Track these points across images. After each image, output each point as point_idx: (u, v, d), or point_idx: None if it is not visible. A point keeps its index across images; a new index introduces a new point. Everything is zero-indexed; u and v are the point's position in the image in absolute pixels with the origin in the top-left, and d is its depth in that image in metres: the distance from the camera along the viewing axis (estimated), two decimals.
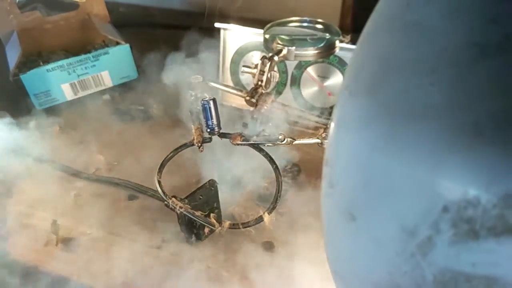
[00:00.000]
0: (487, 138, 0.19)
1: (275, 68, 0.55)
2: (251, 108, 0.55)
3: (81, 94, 0.75)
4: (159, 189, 0.48)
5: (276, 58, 0.54)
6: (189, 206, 0.47)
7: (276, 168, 0.50)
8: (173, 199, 0.47)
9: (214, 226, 0.49)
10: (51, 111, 0.73)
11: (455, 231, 0.20)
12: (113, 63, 0.76)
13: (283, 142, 0.48)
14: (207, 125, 0.48)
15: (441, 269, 0.21)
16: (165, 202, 0.47)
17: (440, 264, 0.21)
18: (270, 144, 0.49)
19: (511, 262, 0.19)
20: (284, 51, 0.55)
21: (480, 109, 0.19)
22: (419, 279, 0.22)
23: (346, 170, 0.25)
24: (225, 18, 0.69)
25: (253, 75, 0.55)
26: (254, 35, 0.67)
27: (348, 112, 0.25)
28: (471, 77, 0.19)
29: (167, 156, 0.50)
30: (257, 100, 0.54)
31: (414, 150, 0.21)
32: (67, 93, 0.74)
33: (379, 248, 0.24)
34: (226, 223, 0.49)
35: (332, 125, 0.26)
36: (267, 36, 0.58)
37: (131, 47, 0.77)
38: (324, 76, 0.65)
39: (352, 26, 0.87)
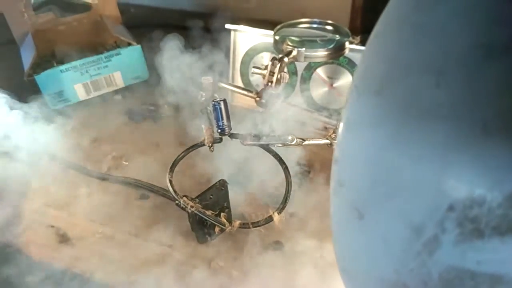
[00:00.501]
0: (494, 138, 0.19)
1: (285, 69, 0.55)
2: (261, 109, 0.56)
3: (93, 94, 0.77)
4: (170, 189, 0.48)
5: (286, 59, 0.55)
6: (200, 206, 0.47)
7: (285, 168, 0.50)
8: (184, 198, 0.47)
9: (224, 225, 0.49)
10: (64, 111, 0.74)
11: (460, 230, 0.20)
12: (125, 64, 0.77)
13: (292, 143, 0.49)
14: (218, 126, 0.49)
15: (447, 267, 0.21)
16: (176, 202, 0.48)
17: (446, 263, 0.21)
18: (279, 145, 0.49)
19: None
20: (294, 52, 0.56)
21: (487, 109, 0.19)
22: (425, 277, 0.22)
23: (354, 168, 0.25)
24: (236, 19, 0.69)
25: (263, 76, 0.56)
26: (264, 36, 0.67)
27: (357, 111, 0.25)
28: (478, 78, 0.19)
29: (178, 156, 0.51)
30: (266, 101, 0.54)
31: (421, 149, 0.21)
32: (80, 93, 0.75)
33: (386, 246, 0.24)
34: (236, 223, 0.50)
35: (341, 124, 0.26)
36: (277, 37, 0.59)
37: (142, 48, 0.78)
38: (333, 77, 0.65)
39: (362, 28, 0.87)
